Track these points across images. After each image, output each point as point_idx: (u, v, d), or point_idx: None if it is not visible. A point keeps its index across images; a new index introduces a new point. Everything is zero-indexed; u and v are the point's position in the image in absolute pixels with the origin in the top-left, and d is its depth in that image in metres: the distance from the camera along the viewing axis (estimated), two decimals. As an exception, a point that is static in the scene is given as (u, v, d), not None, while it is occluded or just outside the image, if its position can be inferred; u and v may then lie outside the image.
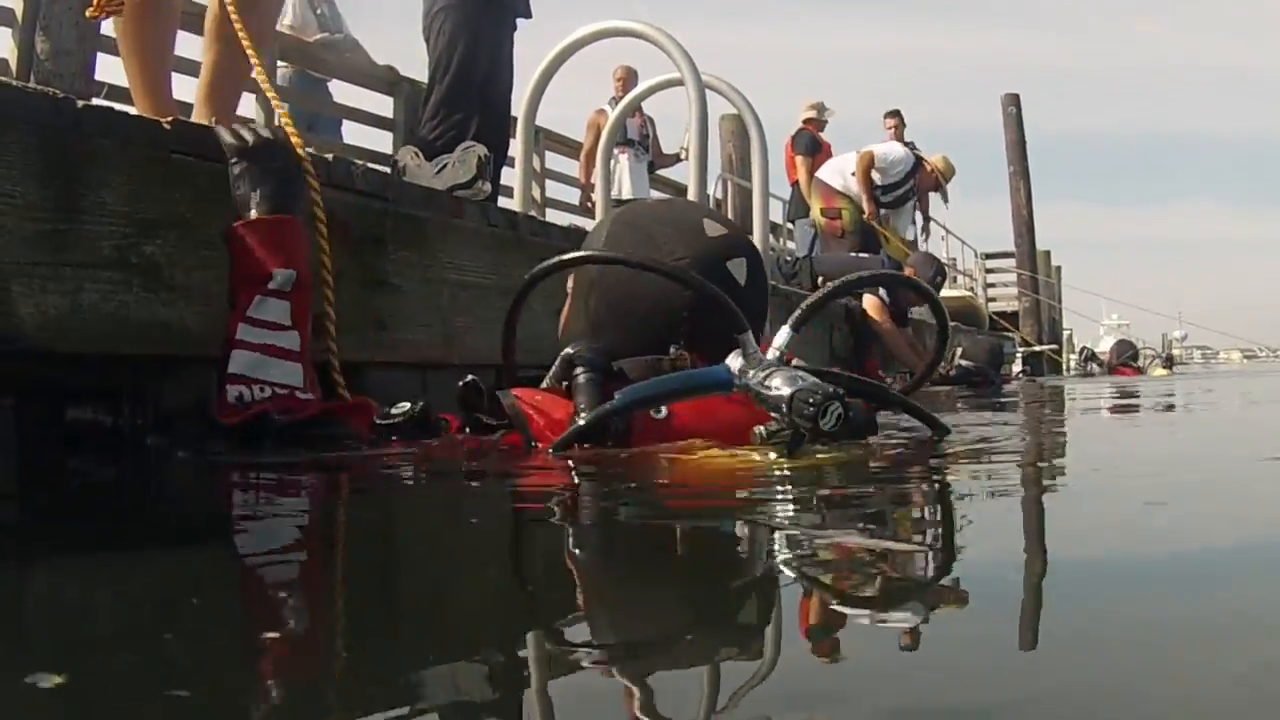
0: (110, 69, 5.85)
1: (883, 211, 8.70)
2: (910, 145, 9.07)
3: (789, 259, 7.77)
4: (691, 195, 3.78)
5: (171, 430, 1.90)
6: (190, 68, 3.07)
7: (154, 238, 1.84)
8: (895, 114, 9.71)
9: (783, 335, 1.67)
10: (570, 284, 1.96)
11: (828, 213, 8.48)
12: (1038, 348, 14.44)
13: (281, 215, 1.86)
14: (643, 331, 1.79)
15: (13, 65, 4.70)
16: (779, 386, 1.53)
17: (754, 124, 4.10)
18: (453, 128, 4.80)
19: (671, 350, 1.76)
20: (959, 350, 7.78)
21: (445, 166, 2.69)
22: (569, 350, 1.73)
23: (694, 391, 1.66)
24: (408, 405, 1.77)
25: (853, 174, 8.51)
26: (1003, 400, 4.65)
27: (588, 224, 5.18)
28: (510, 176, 4.31)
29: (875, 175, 8.60)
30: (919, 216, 9.55)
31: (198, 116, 2.45)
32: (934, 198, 9.53)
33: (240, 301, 1.80)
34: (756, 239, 4.57)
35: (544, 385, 1.80)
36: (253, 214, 1.84)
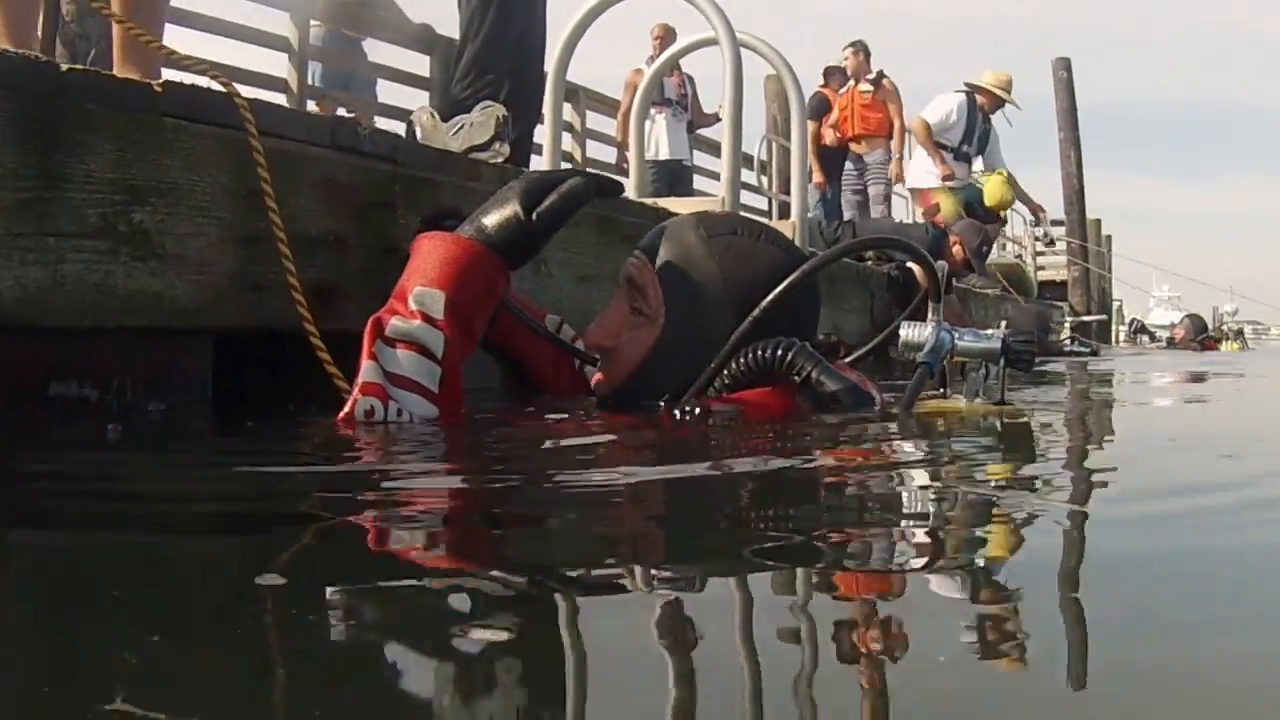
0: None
1: (975, 166, 8.43)
2: (874, 77, 8.80)
3: (833, 224, 7.59)
4: (725, 156, 3.65)
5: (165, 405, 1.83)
6: None
7: (143, 204, 1.75)
8: (856, 45, 9.16)
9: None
10: (642, 279, 1.88)
11: (928, 213, 8.23)
12: (1087, 318, 14.14)
13: (463, 238, 1.75)
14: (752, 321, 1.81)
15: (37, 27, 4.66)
16: (986, 339, 1.88)
17: (792, 84, 3.95)
18: (485, 88, 4.67)
19: (820, 336, 1.95)
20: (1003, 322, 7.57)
21: (462, 128, 2.57)
22: (784, 345, 1.73)
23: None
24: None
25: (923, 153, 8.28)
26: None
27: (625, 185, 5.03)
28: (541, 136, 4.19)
29: (942, 140, 8.35)
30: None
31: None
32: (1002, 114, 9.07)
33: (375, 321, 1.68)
34: (795, 204, 4.42)
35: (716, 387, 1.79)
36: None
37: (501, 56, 4.71)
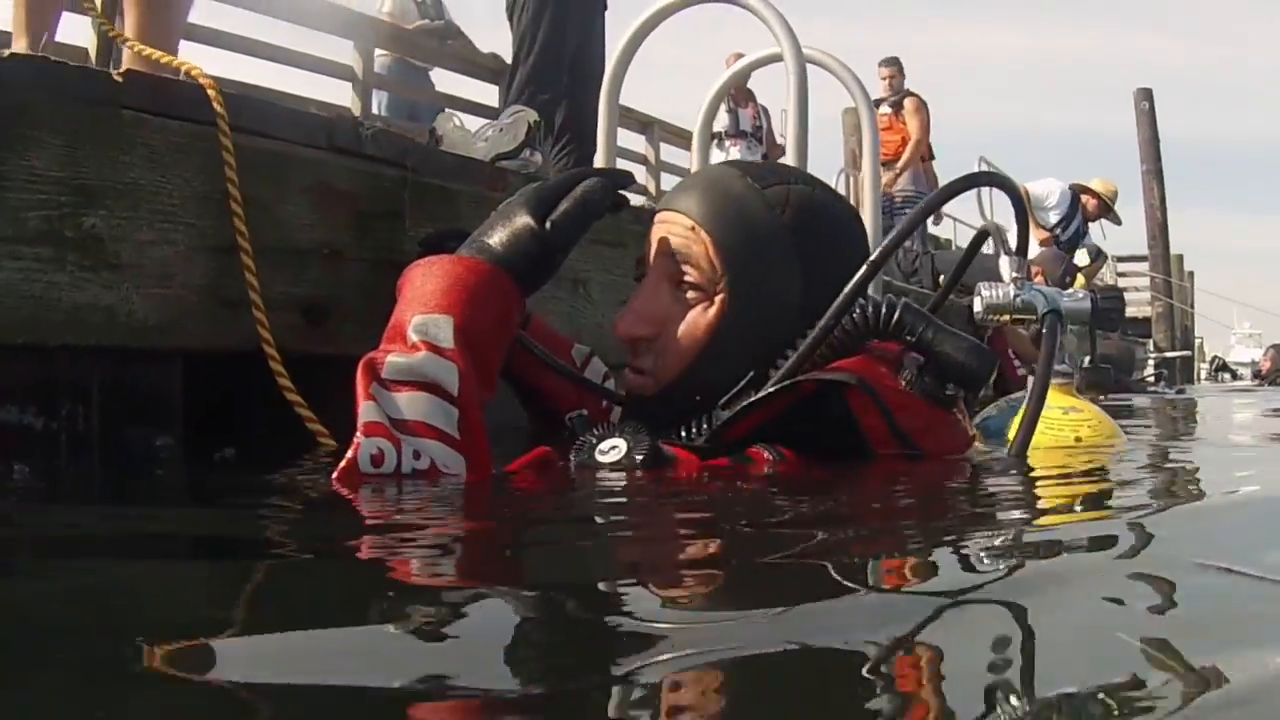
0: (194, 52, 5.77)
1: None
2: (897, 97, 8.32)
3: (910, 255, 7.26)
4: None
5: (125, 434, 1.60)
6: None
7: (96, 207, 1.54)
8: (891, 62, 8.57)
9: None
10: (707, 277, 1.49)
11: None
12: (1170, 354, 13.61)
13: (466, 258, 1.40)
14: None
15: (92, 54, 4.59)
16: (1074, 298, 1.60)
17: (863, 102, 3.66)
18: (538, 109, 4.49)
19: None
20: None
21: (490, 134, 2.34)
22: (888, 302, 1.43)
23: None
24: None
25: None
26: None
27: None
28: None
29: (1038, 218, 7.98)
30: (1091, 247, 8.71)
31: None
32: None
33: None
34: (869, 234, 4.11)
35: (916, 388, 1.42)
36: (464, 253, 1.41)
37: (556, 76, 4.53)
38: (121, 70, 1.59)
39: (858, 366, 1.40)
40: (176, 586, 0.83)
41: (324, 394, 1.68)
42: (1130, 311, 15.07)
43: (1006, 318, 1.60)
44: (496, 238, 1.42)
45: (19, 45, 2.35)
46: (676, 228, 1.51)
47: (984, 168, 8.67)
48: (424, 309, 1.33)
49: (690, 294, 1.50)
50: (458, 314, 1.33)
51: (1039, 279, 6.62)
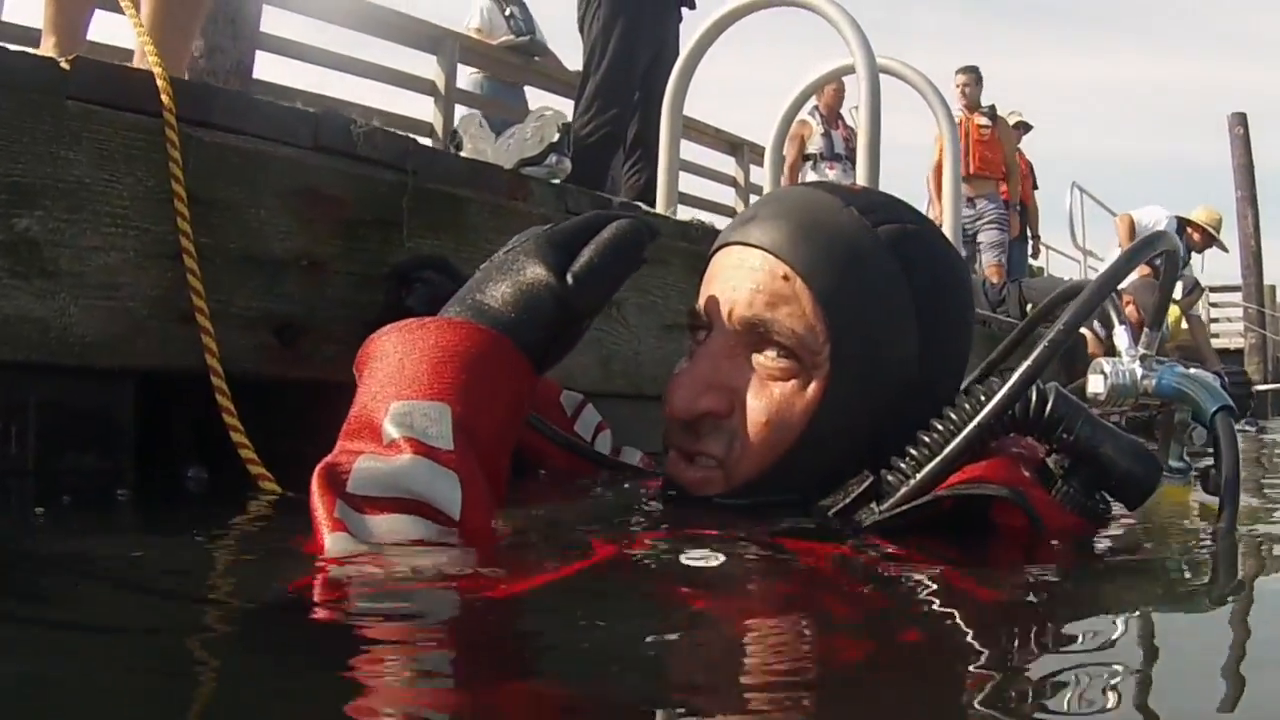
0: (270, 66, 5.75)
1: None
2: (990, 109, 7.84)
3: (994, 284, 6.89)
4: (860, 182, 3.11)
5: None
6: None
7: (32, 208, 1.38)
8: (969, 70, 8.04)
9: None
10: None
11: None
12: (1262, 386, 12.94)
13: (461, 322, 1.02)
14: None
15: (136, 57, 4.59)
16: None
17: (944, 116, 3.39)
18: (607, 124, 4.31)
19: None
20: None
21: (515, 137, 2.16)
22: (1040, 392, 1.08)
23: None
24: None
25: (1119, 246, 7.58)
26: None
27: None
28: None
29: None
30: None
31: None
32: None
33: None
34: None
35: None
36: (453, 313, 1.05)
37: (626, 89, 4.34)
38: (70, 57, 1.43)
39: (1002, 473, 1.07)
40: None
41: (295, 418, 1.50)
42: (1221, 343, 14.54)
43: (1128, 405, 1.31)
44: (500, 295, 1.04)
45: (47, 44, 2.25)
46: (762, 275, 1.13)
47: (1077, 195, 8.28)
48: (407, 393, 0.94)
49: (778, 363, 1.13)
50: (456, 401, 0.95)
51: (1129, 308, 6.24)
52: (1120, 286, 6.20)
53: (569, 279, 1.05)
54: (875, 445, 1.11)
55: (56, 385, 1.45)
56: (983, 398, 1.07)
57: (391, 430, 0.91)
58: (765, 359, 1.14)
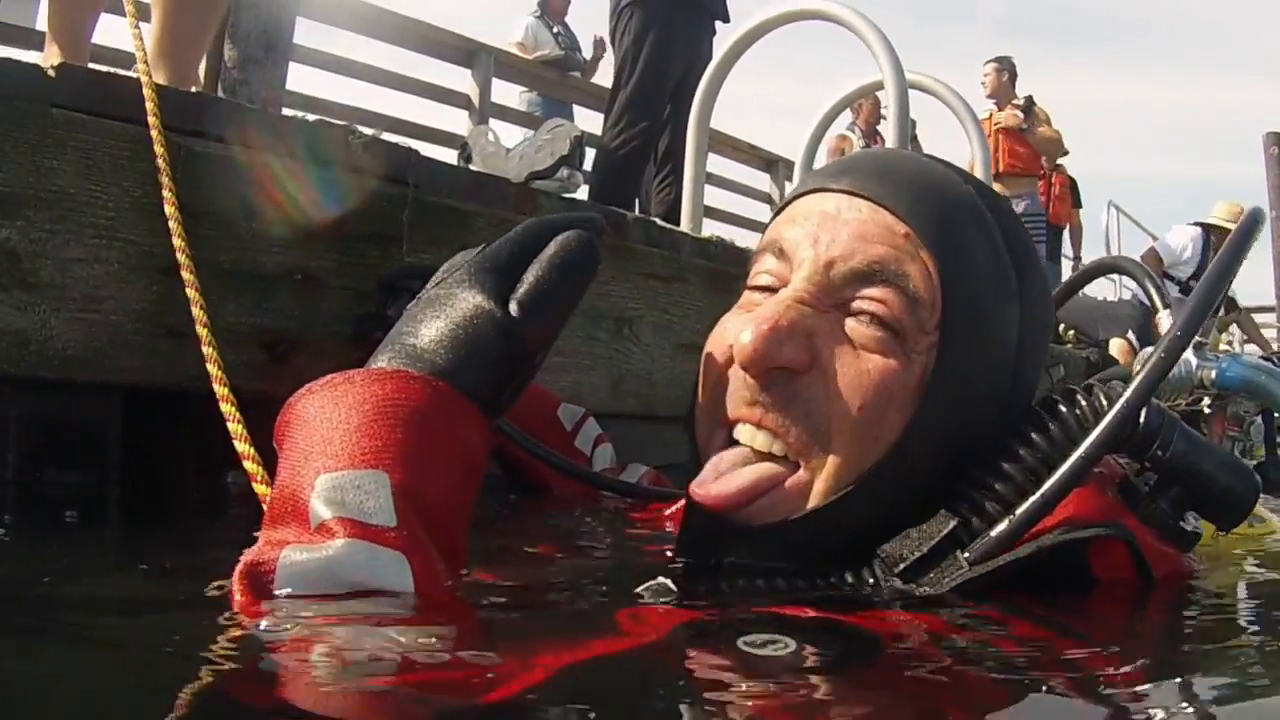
0: (305, 79, 5.76)
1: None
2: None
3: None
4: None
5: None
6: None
7: (13, 218, 1.35)
8: (1000, 61, 7.32)
9: None
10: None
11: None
12: None
13: (394, 371, 0.84)
14: None
15: (200, 74, 4.61)
16: None
17: (974, 130, 3.32)
18: (637, 136, 4.26)
19: None
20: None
21: (525, 149, 2.11)
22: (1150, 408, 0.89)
23: None
24: None
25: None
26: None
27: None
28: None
29: (1173, 274, 7.35)
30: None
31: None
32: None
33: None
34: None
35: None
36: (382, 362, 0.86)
37: (657, 102, 4.28)
38: (55, 64, 1.41)
39: (1097, 505, 0.89)
40: None
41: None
42: (1254, 363, 14.27)
43: (1182, 401, 1.20)
44: (434, 335, 0.87)
45: (50, 50, 2.24)
46: (873, 228, 0.92)
47: (1113, 213, 8.11)
48: (335, 463, 0.78)
49: (876, 333, 0.90)
50: (394, 465, 0.78)
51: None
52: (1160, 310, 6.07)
53: (513, 307, 0.87)
54: (954, 472, 0.91)
55: (38, 399, 1.42)
56: (1078, 413, 0.89)
57: (321, 510, 0.76)
58: (859, 324, 0.90)
